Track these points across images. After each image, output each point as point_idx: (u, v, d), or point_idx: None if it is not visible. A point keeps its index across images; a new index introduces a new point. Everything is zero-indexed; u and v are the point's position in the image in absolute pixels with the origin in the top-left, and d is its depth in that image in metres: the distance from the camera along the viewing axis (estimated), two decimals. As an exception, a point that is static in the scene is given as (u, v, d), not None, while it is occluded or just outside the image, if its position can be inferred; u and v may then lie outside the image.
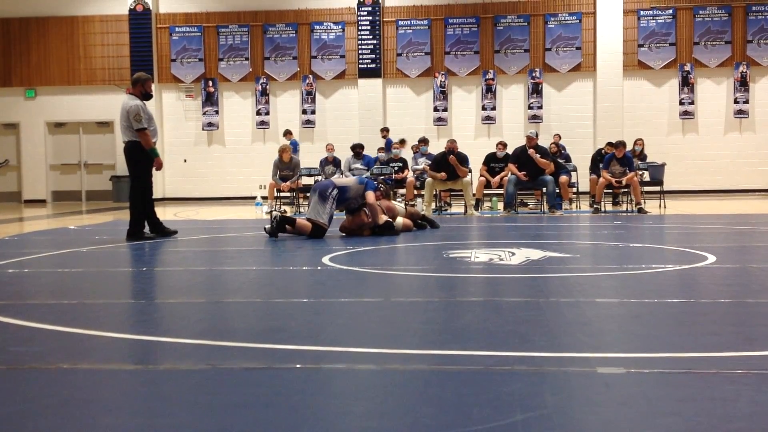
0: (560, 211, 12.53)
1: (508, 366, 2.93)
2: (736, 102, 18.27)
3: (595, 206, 12.87)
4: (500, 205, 13.38)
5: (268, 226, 8.68)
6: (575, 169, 14.33)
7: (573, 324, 3.71)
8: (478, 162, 13.80)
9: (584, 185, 14.97)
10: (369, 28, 18.88)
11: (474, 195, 13.10)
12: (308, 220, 8.54)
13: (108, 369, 3.05)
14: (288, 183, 14.40)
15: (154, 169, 8.74)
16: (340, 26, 19.08)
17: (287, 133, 17.13)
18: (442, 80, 18.81)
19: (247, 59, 19.29)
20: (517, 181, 12.72)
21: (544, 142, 14.67)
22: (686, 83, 18.34)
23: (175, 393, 2.70)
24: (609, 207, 13.76)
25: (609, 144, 13.62)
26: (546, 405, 2.44)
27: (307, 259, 6.71)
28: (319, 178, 14.28)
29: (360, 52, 18.91)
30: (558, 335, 3.49)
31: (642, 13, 18.43)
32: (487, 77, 18.71)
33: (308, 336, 3.58)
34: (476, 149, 16.08)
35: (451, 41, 18.84)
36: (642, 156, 14.68)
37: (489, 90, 18.74)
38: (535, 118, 18.60)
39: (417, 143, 15.54)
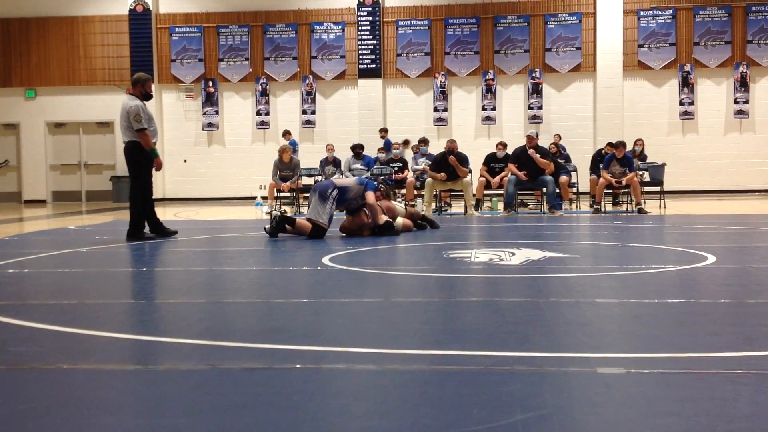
0: (560, 212, 12.53)
1: (508, 366, 2.93)
2: (736, 102, 18.27)
3: (595, 206, 12.87)
4: (500, 206, 13.38)
5: (268, 226, 8.68)
6: (575, 170, 14.33)
7: (573, 324, 3.71)
8: (478, 162, 13.80)
9: (584, 185, 14.97)
10: (369, 28, 18.88)
11: (474, 195, 13.10)
12: (308, 220, 8.54)
13: (108, 369, 3.05)
14: (288, 183, 14.40)
15: (153, 169, 8.73)
16: (340, 26, 19.08)
17: (286, 134, 17.13)
18: (442, 80, 18.81)
19: (247, 59, 19.29)
20: (517, 182, 12.71)
21: (544, 142, 14.67)
22: (686, 83, 18.34)
23: (175, 393, 2.70)
24: (609, 207, 13.76)
25: (609, 144, 13.62)
26: (546, 405, 2.45)
27: (307, 260, 6.71)
28: (319, 178, 14.28)
29: (360, 52, 18.91)
30: (558, 335, 3.49)
31: (642, 13, 18.44)
32: (487, 77, 18.72)
33: (308, 336, 3.58)
34: (476, 149, 16.08)
35: (451, 41, 18.84)
36: (642, 156, 14.69)
37: (489, 90, 18.74)
38: (535, 119, 18.60)
39: (417, 143, 15.54)
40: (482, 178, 13.38)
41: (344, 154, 15.29)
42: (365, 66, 18.90)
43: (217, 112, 19.45)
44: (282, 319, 4.03)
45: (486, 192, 13.77)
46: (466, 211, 12.87)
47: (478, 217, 12.19)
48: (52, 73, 19.69)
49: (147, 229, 8.73)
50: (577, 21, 18.54)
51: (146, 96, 8.70)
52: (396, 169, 14.23)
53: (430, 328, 3.72)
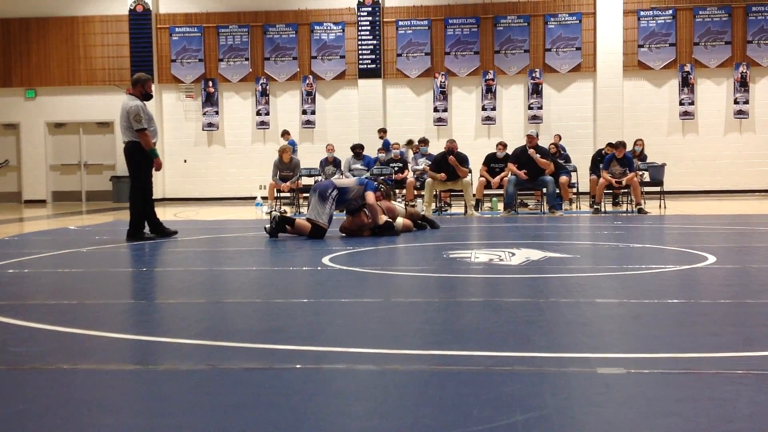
0: (560, 212, 12.53)
1: (508, 366, 2.93)
2: (736, 102, 18.27)
3: (595, 207, 12.87)
4: (500, 206, 13.38)
5: (268, 225, 8.68)
6: (575, 170, 14.33)
7: (573, 324, 3.71)
8: (478, 162, 13.80)
9: (584, 186, 14.97)
10: (369, 28, 18.88)
11: (474, 195, 13.10)
12: (308, 220, 8.54)
13: (108, 369, 3.05)
14: (288, 183, 14.41)
15: (153, 169, 8.73)
16: (340, 26, 19.08)
17: (285, 134, 17.12)
18: (442, 80, 18.81)
19: (247, 60, 19.29)
20: (517, 182, 12.71)
21: (544, 142, 14.67)
22: (686, 84, 18.34)
23: (175, 393, 2.70)
24: (609, 207, 13.77)
25: (609, 144, 13.62)
26: (546, 405, 2.45)
27: (307, 260, 6.71)
28: (319, 178, 14.28)
29: (360, 52, 18.91)
30: (558, 336, 3.49)
31: (642, 13, 18.44)
32: (487, 77, 18.72)
33: (308, 336, 3.58)
34: (476, 150, 16.07)
35: (451, 41, 18.84)
36: (642, 156, 14.69)
37: (489, 90, 18.74)
38: (535, 119, 18.60)
39: (417, 143, 15.54)
40: (482, 179, 13.38)
41: (344, 155, 15.29)
42: (365, 66, 18.91)
43: (217, 112, 19.45)
44: (282, 320, 4.03)
45: (486, 192, 13.78)
46: (466, 212, 12.87)
47: (478, 218, 12.19)
48: (52, 73, 19.69)
49: (147, 229, 8.73)
50: (577, 21, 18.54)
51: (146, 96, 8.70)
52: (396, 169, 14.23)
53: (430, 328, 3.72)
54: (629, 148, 13.84)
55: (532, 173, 12.65)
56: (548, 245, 7.43)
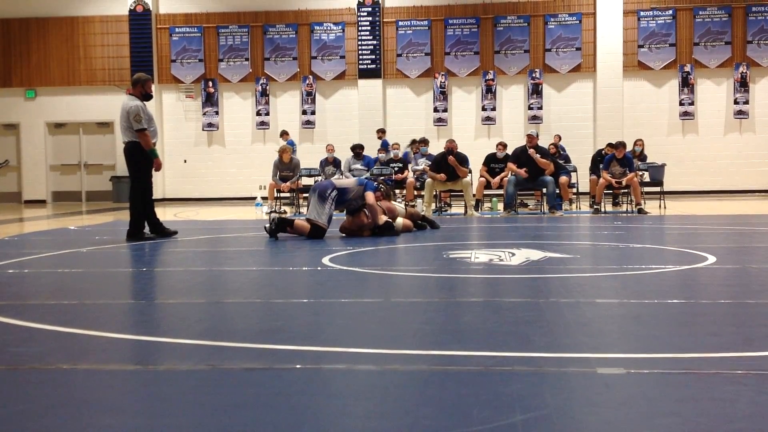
0: (560, 212, 12.53)
1: (508, 366, 2.93)
2: (736, 103, 18.26)
3: (595, 207, 12.87)
4: (500, 206, 13.38)
5: (268, 225, 8.68)
6: (575, 170, 14.34)
7: (573, 324, 3.71)
8: (478, 163, 13.80)
9: (584, 186, 14.97)
10: (369, 28, 18.88)
11: (474, 195, 13.10)
12: (307, 220, 8.54)
13: (108, 369, 3.05)
14: (288, 183, 14.41)
15: (153, 169, 8.73)
16: (340, 27, 19.08)
17: (284, 134, 17.12)
18: (442, 81, 18.81)
19: (247, 60, 19.29)
20: (517, 182, 12.71)
21: (544, 142, 14.67)
22: (686, 84, 18.34)
23: (175, 393, 2.70)
24: (609, 207, 13.76)
25: (609, 145, 13.62)
26: (546, 405, 2.45)
27: (307, 260, 6.71)
28: (319, 178, 14.28)
29: (360, 52, 18.91)
30: (558, 336, 3.49)
31: (642, 13, 18.44)
32: (487, 78, 18.72)
33: (308, 336, 3.58)
34: (476, 150, 16.07)
35: (451, 42, 18.84)
36: (642, 157, 14.68)
37: (489, 90, 18.74)
38: (535, 119, 18.60)
39: (417, 144, 15.54)
40: (482, 179, 13.38)
41: (344, 155, 15.29)
42: (365, 66, 18.90)
43: (217, 113, 19.45)
44: (282, 320, 4.03)
45: (486, 192, 13.78)
46: (466, 212, 12.87)
47: (478, 218, 12.19)
48: (52, 73, 19.69)
49: (147, 230, 8.73)
50: (577, 21, 18.54)
51: (146, 96, 8.70)
52: (396, 169, 14.23)
53: (430, 328, 3.72)
54: (629, 148, 13.84)
55: (532, 173, 12.65)
56: (548, 245, 7.43)
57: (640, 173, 13.58)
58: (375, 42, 18.85)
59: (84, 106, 19.62)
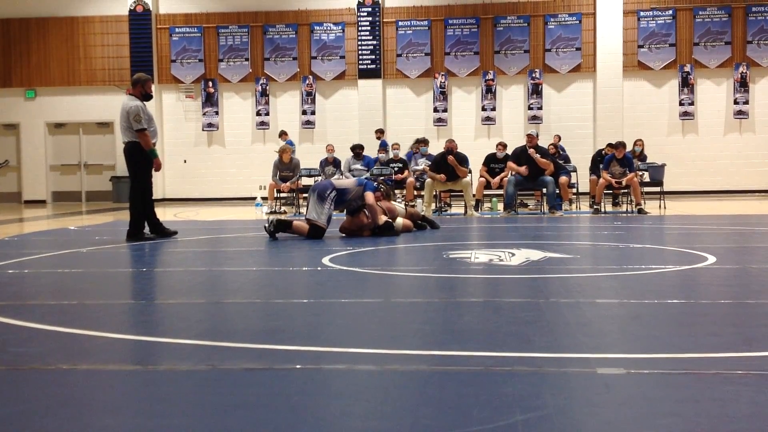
0: (560, 212, 12.53)
1: (508, 367, 2.93)
2: (735, 103, 18.26)
3: (595, 207, 12.87)
4: (500, 206, 13.38)
5: (267, 224, 8.67)
6: (575, 170, 14.34)
7: (573, 325, 3.71)
8: (478, 163, 13.80)
9: (584, 186, 14.97)
10: (369, 28, 18.88)
11: (474, 196, 13.10)
12: (307, 220, 8.54)
13: (108, 370, 3.05)
14: (288, 183, 14.41)
15: (153, 169, 8.73)
16: (340, 27, 19.08)
17: (282, 134, 17.12)
18: (442, 81, 18.81)
19: (247, 60, 19.29)
20: (517, 182, 12.72)
21: (544, 142, 14.68)
22: (686, 84, 18.34)
23: (175, 394, 2.70)
24: (609, 208, 13.77)
25: (609, 145, 13.62)
26: (546, 406, 2.45)
27: (307, 260, 6.71)
28: (319, 178, 14.29)
29: (360, 52, 18.91)
30: (558, 336, 3.49)
31: (642, 13, 18.43)
32: (487, 78, 18.72)
33: (308, 336, 3.58)
34: (476, 150, 16.07)
35: (451, 42, 18.84)
36: (642, 157, 14.69)
37: (489, 91, 18.74)
38: (535, 119, 18.60)
39: (414, 144, 15.53)
40: (482, 179, 13.38)
41: (344, 155, 15.29)
42: (365, 66, 18.90)
43: (217, 113, 19.45)
44: (282, 320, 4.03)
45: (486, 192, 13.77)
46: (466, 212, 12.87)
47: (478, 218, 12.19)
48: (52, 73, 19.69)
49: (147, 230, 8.73)
50: (577, 21, 18.54)
51: (146, 96, 8.70)
52: (396, 169, 14.23)
53: (430, 328, 3.72)
54: (629, 148, 13.84)
55: (532, 173, 12.65)
56: (548, 245, 7.43)
57: (640, 173, 13.59)
58: (375, 42, 18.85)
59: (84, 106, 19.62)
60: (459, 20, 18.82)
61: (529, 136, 13.00)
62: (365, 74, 18.91)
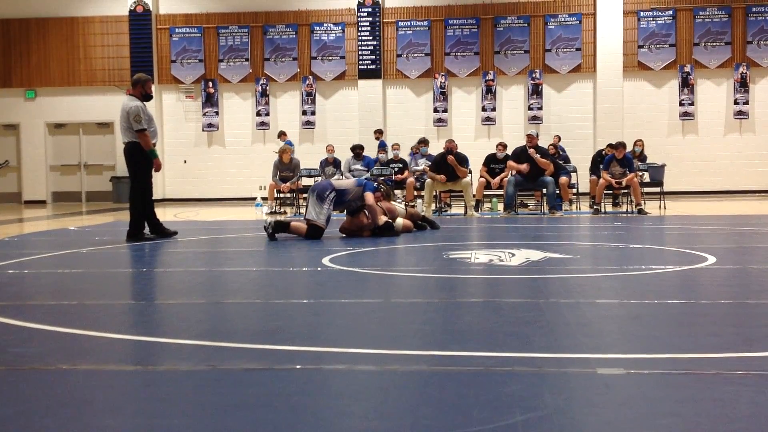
0: (560, 212, 12.53)
1: (508, 367, 2.93)
2: (736, 103, 18.27)
3: (595, 207, 12.87)
4: (500, 206, 13.38)
5: (266, 225, 8.66)
6: (575, 170, 14.34)
7: (573, 325, 3.71)
8: (478, 163, 13.80)
9: (584, 186, 14.97)
10: (369, 29, 18.88)
11: (474, 196, 13.09)
12: (306, 220, 8.54)
13: (108, 370, 3.05)
14: (288, 184, 14.41)
15: (153, 170, 8.73)
16: (340, 27, 19.08)
17: (281, 134, 17.12)
18: (442, 81, 18.81)
19: (247, 60, 19.30)
20: (517, 182, 12.72)
21: (544, 143, 14.68)
22: (686, 84, 18.34)
23: (175, 394, 2.70)
24: (609, 208, 13.77)
25: (609, 145, 13.63)
26: (546, 406, 2.45)
27: (307, 260, 6.71)
28: (319, 178, 14.29)
29: (360, 53, 18.91)
30: (558, 336, 3.49)
31: (642, 14, 18.44)
32: (487, 78, 18.72)
33: (308, 337, 3.58)
34: (476, 150, 16.07)
35: (451, 42, 18.84)
36: (642, 157, 14.69)
37: (489, 91, 18.74)
38: (535, 119, 18.60)
39: (417, 144, 15.53)
40: (482, 179, 13.38)
41: (344, 155, 15.29)
42: (365, 67, 18.91)
43: (217, 113, 19.45)
44: (282, 320, 4.03)
45: (486, 193, 13.77)
46: (466, 212, 12.86)
47: (478, 218, 12.19)
48: (52, 73, 19.69)
49: (147, 230, 8.73)
50: (577, 22, 18.54)
51: (146, 97, 8.70)
52: (396, 170, 14.23)
53: (430, 328, 3.72)
54: (629, 148, 13.84)
55: (533, 173, 12.65)
56: (548, 246, 7.43)
57: (640, 173, 13.59)
58: (375, 42, 18.85)
59: (84, 106, 19.62)
60: (459, 20, 18.82)
61: (529, 136, 13.01)
62: (365, 74, 18.91)
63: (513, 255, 6.60)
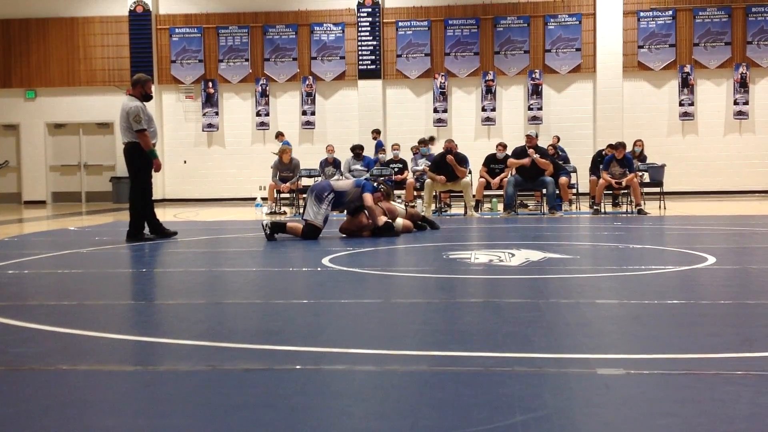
0: (560, 213, 12.53)
1: (508, 367, 2.93)
2: (735, 103, 18.27)
3: (594, 207, 12.87)
4: (500, 207, 13.38)
5: (264, 226, 8.64)
6: (575, 171, 14.34)
7: (573, 325, 3.71)
8: (478, 163, 13.80)
9: (584, 186, 14.97)
10: (369, 29, 18.88)
11: (474, 196, 13.09)
12: (304, 221, 8.53)
13: (107, 370, 3.04)
14: (288, 184, 14.41)
15: (153, 170, 8.73)
16: (339, 27, 19.08)
17: (279, 135, 17.12)
18: (442, 81, 18.81)
19: (246, 60, 19.30)
20: (517, 183, 12.72)
21: (544, 143, 14.69)
22: (686, 84, 18.34)
23: (174, 394, 2.70)
24: (609, 208, 13.77)
25: (609, 145, 13.63)
26: (546, 406, 2.45)
27: (307, 261, 6.71)
28: (319, 179, 14.29)
29: (360, 53, 18.92)
30: (558, 336, 3.49)
31: (642, 14, 18.44)
32: (486, 78, 18.72)
33: (308, 337, 3.58)
34: (476, 150, 16.08)
35: (450, 42, 18.84)
36: (642, 157, 14.69)
37: (489, 91, 18.74)
38: (535, 120, 18.60)
39: (416, 144, 15.53)
40: (482, 179, 13.38)
41: (344, 155, 15.29)
42: (365, 67, 18.91)
43: (216, 113, 19.46)
44: (282, 320, 4.03)
45: (486, 193, 13.77)
46: (465, 212, 12.86)
47: (478, 218, 12.19)
48: (52, 73, 19.69)
49: (147, 230, 8.73)
50: (577, 22, 18.55)
51: (146, 97, 8.70)
52: (396, 170, 14.23)
53: (430, 329, 3.72)
54: (629, 148, 13.84)
55: (532, 174, 12.65)
56: (548, 246, 7.43)
57: (640, 174, 13.59)
58: (375, 42, 18.85)
59: (84, 106, 19.62)
60: (459, 21, 18.82)
61: (528, 136, 13.01)
62: (365, 75, 18.91)
63: (513, 255, 6.60)
